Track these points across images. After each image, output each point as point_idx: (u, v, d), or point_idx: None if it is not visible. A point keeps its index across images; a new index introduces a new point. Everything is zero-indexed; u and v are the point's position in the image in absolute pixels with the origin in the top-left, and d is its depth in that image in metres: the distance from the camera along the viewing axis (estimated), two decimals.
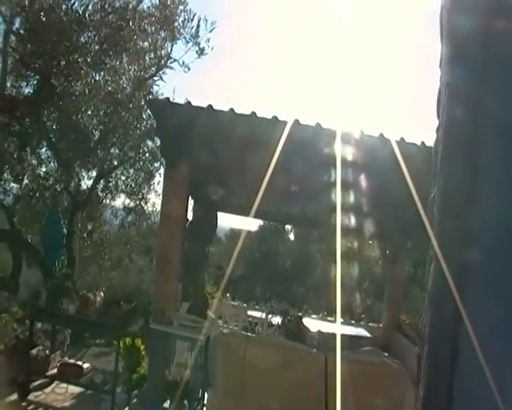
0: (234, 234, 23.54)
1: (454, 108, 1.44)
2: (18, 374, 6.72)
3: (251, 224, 22.01)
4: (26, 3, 8.20)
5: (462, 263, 1.35)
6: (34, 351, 7.07)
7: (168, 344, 6.85)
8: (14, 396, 6.51)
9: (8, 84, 9.52)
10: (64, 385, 7.04)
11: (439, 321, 1.44)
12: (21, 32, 8.96)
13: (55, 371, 7.13)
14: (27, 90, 9.82)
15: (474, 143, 1.37)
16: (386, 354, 6.12)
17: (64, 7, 8.70)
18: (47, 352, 7.27)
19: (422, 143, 5.74)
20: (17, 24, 9.02)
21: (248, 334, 6.75)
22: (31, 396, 6.60)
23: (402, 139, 5.59)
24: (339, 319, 6.58)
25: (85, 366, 7.44)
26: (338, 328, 7.16)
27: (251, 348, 5.29)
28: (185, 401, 6.02)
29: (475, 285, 1.34)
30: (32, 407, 6.39)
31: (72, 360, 7.67)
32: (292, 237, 24.05)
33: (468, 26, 1.41)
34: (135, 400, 6.89)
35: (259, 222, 20.76)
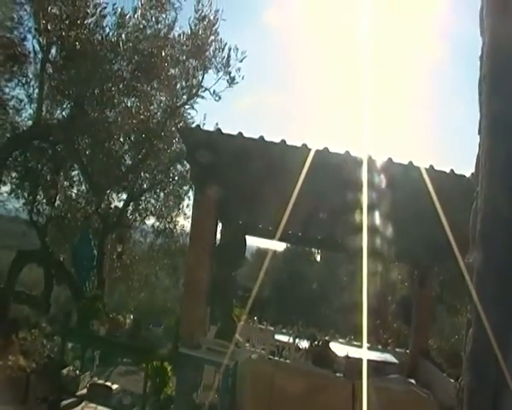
0: (260, 254, 23.54)
1: (493, 180, 1.46)
2: (49, 393, 6.84)
3: (278, 245, 21.98)
4: (63, 33, 8.48)
5: (505, 330, 1.35)
6: (65, 371, 7.20)
7: (196, 368, 6.91)
8: None
9: (44, 111, 9.78)
10: (93, 405, 7.13)
11: (479, 388, 1.42)
12: (57, 60, 9.25)
13: (84, 391, 7.24)
14: (62, 116, 10.10)
15: None
16: (413, 382, 6.08)
17: (98, 36, 8.98)
18: (77, 372, 7.40)
19: (452, 170, 5.76)
20: (53, 52, 9.30)
21: (276, 358, 6.76)
22: None
23: (431, 167, 5.61)
24: (365, 344, 6.54)
25: (114, 386, 7.54)
26: (365, 354, 7.11)
27: (279, 375, 5.32)
28: None
29: None
30: None
31: (101, 381, 7.78)
32: (318, 258, 23.94)
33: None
34: None
35: (286, 243, 20.74)
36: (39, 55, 9.36)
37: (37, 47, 9.33)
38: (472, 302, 1.48)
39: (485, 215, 1.47)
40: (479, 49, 1.62)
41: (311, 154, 5.39)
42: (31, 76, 9.80)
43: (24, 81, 9.75)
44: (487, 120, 1.52)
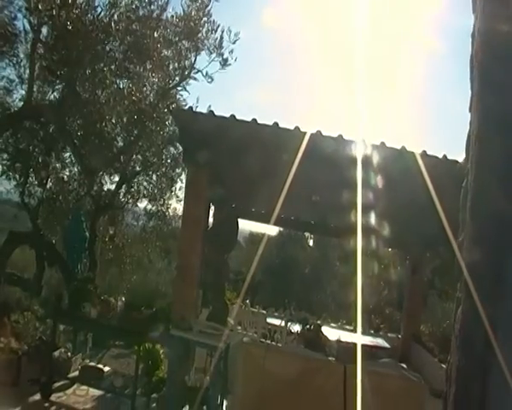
0: (253, 238, 23.58)
1: (484, 156, 1.45)
2: (41, 375, 6.84)
3: (270, 229, 22.03)
4: (54, 13, 8.34)
5: (493, 308, 1.35)
6: (56, 353, 7.19)
7: (188, 350, 6.92)
8: (37, 396, 6.62)
9: (35, 91, 9.67)
10: (85, 388, 7.13)
11: (468, 364, 1.43)
12: (48, 40, 9.12)
13: (76, 373, 7.24)
14: (53, 97, 10.00)
15: (505, 193, 1.38)
16: (405, 367, 6.12)
17: (90, 16, 8.84)
18: (68, 354, 7.39)
19: (444, 156, 5.75)
20: (44, 32, 9.17)
21: (268, 342, 6.78)
22: (53, 397, 6.69)
23: (424, 152, 5.59)
24: (359, 329, 6.56)
25: (106, 369, 7.54)
26: (357, 338, 7.15)
27: (271, 358, 5.33)
28: (204, 408, 6.07)
29: (508, 331, 1.33)
30: (54, 407, 6.48)
31: (92, 363, 7.78)
32: (311, 243, 24.00)
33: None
34: (154, 404, 6.97)
35: (279, 227, 20.79)
36: (30, 35, 9.22)
37: (27, 27, 9.21)
38: (462, 281, 1.48)
39: (476, 193, 1.47)
40: (471, 29, 1.61)
41: (304, 137, 5.36)
42: (21, 56, 9.68)
43: (14, 61, 9.62)
44: (478, 96, 1.51)
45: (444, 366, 6.10)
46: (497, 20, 1.44)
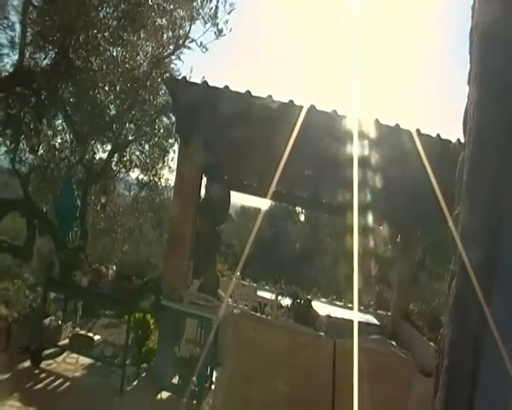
0: (245, 212, 23.61)
1: (482, 128, 1.44)
2: (31, 342, 6.87)
3: (262, 203, 22.03)
4: None
5: (488, 280, 1.35)
6: (47, 320, 7.22)
7: (178, 321, 6.96)
8: (27, 363, 6.66)
9: (27, 57, 9.49)
10: (75, 355, 7.18)
11: (460, 337, 1.43)
12: (41, 4, 8.92)
13: (66, 341, 7.28)
14: (45, 63, 9.81)
15: (502, 165, 1.37)
16: (394, 343, 6.18)
17: None
18: (59, 322, 7.42)
19: (438, 135, 5.74)
20: None
21: (258, 315, 6.82)
22: (43, 364, 6.75)
23: (417, 130, 5.58)
24: (356, 305, 6.61)
25: (96, 337, 7.59)
26: (348, 314, 7.21)
27: (261, 330, 5.36)
28: (194, 378, 6.12)
29: (501, 304, 1.33)
30: (44, 375, 6.53)
31: (83, 332, 7.82)
32: (302, 218, 24.05)
33: (499, 49, 1.40)
34: (144, 374, 7.03)
35: (271, 201, 20.77)
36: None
37: None
38: (456, 253, 1.47)
39: (472, 165, 1.46)
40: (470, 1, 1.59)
41: (298, 111, 5.32)
42: (13, 20, 9.46)
43: (5, 25, 9.40)
44: (477, 68, 1.49)
45: (432, 344, 6.19)
46: None
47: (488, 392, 1.35)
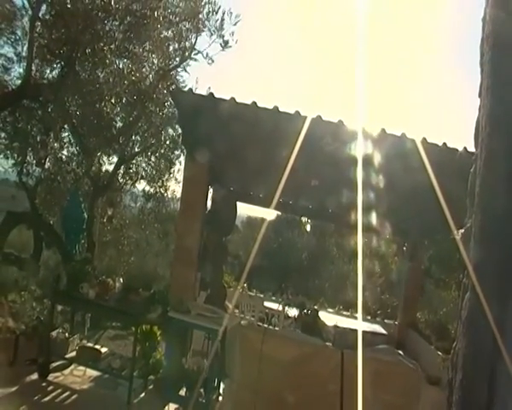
0: (251, 222, 23.57)
1: (495, 141, 1.43)
2: (38, 355, 6.87)
3: (268, 213, 22.03)
4: None
5: (502, 294, 1.34)
6: (54, 333, 7.22)
7: (185, 333, 6.94)
8: (35, 376, 6.65)
9: (34, 70, 9.57)
10: (82, 368, 7.17)
11: (475, 352, 1.41)
12: (47, 18, 9.01)
13: (73, 353, 7.27)
14: (52, 76, 9.91)
15: None
16: (401, 353, 6.14)
17: None
18: (66, 334, 7.42)
19: (444, 143, 5.73)
20: (43, 10, 9.04)
21: (265, 326, 6.80)
22: (50, 377, 6.74)
23: (424, 139, 5.57)
24: (360, 315, 6.58)
25: (103, 350, 7.57)
26: (358, 324, 7.17)
27: (268, 341, 5.34)
28: (201, 390, 6.10)
29: None
30: (51, 387, 6.51)
31: (90, 344, 7.82)
32: (308, 228, 23.99)
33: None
34: (151, 386, 7.00)
35: (277, 212, 20.75)
36: (29, 13, 9.12)
37: (26, 4, 9.11)
38: (468, 267, 1.46)
39: (485, 178, 1.44)
40: (481, 13, 1.59)
41: (304, 121, 5.32)
42: (20, 34, 9.58)
43: (13, 39, 9.53)
44: (489, 81, 1.48)
45: (440, 353, 6.15)
46: (508, 3, 1.41)
47: (505, 408, 1.33)
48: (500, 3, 1.46)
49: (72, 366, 7.20)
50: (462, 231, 1.55)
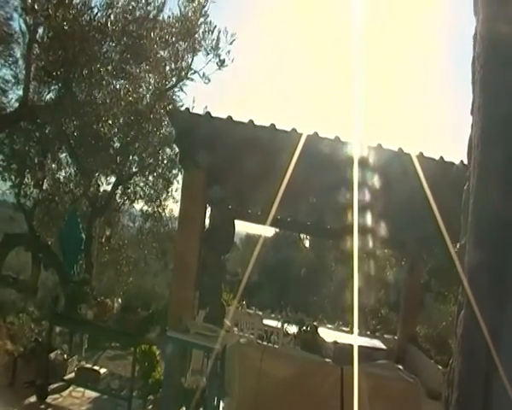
0: (249, 240, 23.56)
1: (487, 159, 1.44)
2: (36, 377, 6.83)
3: (267, 230, 22.03)
4: (50, 13, 8.32)
5: (496, 312, 1.34)
6: (52, 355, 7.18)
7: (184, 352, 6.90)
8: (33, 398, 6.61)
9: (31, 92, 9.64)
10: (81, 389, 7.12)
11: (470, 370, 1.41)
12: (44, 40, 9.09)
13: (72, 375, 7.23)
14: (49, 98, 9.97)
15: (508, 196, 1.37)
16: (401, 368, 6.11)
17: (87, 17, 8.82)
18: (65, 356, 7.38)
19: (441, 157, 5.77)
20: (40, 32, 9.14)
21: (265, 344, 6.77)
22: (49, 399, 6.70)
23: (421, 154, 5.61)
24: (356, 330, 6.57)
25: (102, 371, 7.52)
26: (355, 340, 7.15)
27: (267, 359, 5.32)
28: (201, 409, 6.06)
29: (511, 336, 1.32)
30: (50, 409, 6.48)
31: (89, 365, 7.77)
32: (307, 244, 23.98)
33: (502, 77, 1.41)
34: (150, 406, 6.95)
35: (275, 228, 20.76)
36: (26, 35, 9.20)
37: (23, 27, 9.19)
38: (463, 285, 1.47)
39: (478, 196, 1.45)
40: (472, 30, 1.61)
41: (301, 138, 5.36)
42: (17, 56, 9.65)
43: (10, 61, 9.59)
44: (480, 100, 1.50)
45: (440, 367, 6.13)
46: (498, 21, 1.44)
47: None
48: (491, 22, 1.49)
49: (71, 388, 7.15)
50: (457, 247, 1.56)
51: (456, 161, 5.69)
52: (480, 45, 1.53)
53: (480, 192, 1.46)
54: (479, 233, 1.45)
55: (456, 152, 5.58)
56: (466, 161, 1.60)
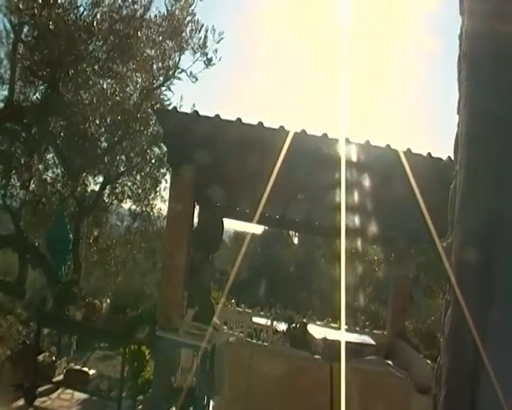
0: (238, 237, 23.55)
1: (474, 158, 1.45)
2: (24, 380, 6.78)
3: (255, 228, 22.04)
4: (35, 12, 8.24)
5: (483, 310, 1.35)
6: (40, 357, 7.13)
7: (174, 351, 6.89)
8: (21, 402, 6.56)
9: (17, 92, 9.55)
10: (70, 391, 7.09)
11: (457, 368, 1.43)
12: (30, 40, 9.01)
13: (61, 377, 7.19)
14: (35, 98, 9.87)
15: (495, 194, 1.38)
16: (390, 363, 6.14)
17: (72, 16, 8.74)
18: (53, 358, 7.34)
19: (429, 153, 5.82)
20: (26, 32, 9.04)
21: (254, 341, 6.78)
22: (37, 402, 6.65)
23: (408, 150, 5.65)
24: (343, 326, 6.59)
25: (91, 372, 7.50)
26: (343, 336, 7.17)
27: (257, 357, 5.32)
28: (190, 409, 6.06)
29: (497, 334, 1.33)
30: None
31: (77, 367, 7.73)
32: (296, 241, 24.05)
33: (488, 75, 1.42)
34: (140, 406, 6.94)
35: (264, 226, 20.79)
36: (11, 35, 9.11)
37: (8, 26, 9.09)
38: (450, 283, 1.48)
39: (465, 194, 1.46)
40: (458, 29, 1.61)
41: (289, 136, 5.37)
42: (2, 56, 9.56)
43: None
44: (466, 98, 1.51)
45: (429, 362, 6.17)
46: (484, 19, 1.44)
47: None
48: (476, 22, 1.49)
49: (60, 390, 7.11)
50: (444, 245, 1.56)
51: (444, 157, 5.73)
52: (465, 45, 1.53)
53: (466, 190, 1.46)
54: (465, 231, 1.46)
55: (445, 147, 5.63)
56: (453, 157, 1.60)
